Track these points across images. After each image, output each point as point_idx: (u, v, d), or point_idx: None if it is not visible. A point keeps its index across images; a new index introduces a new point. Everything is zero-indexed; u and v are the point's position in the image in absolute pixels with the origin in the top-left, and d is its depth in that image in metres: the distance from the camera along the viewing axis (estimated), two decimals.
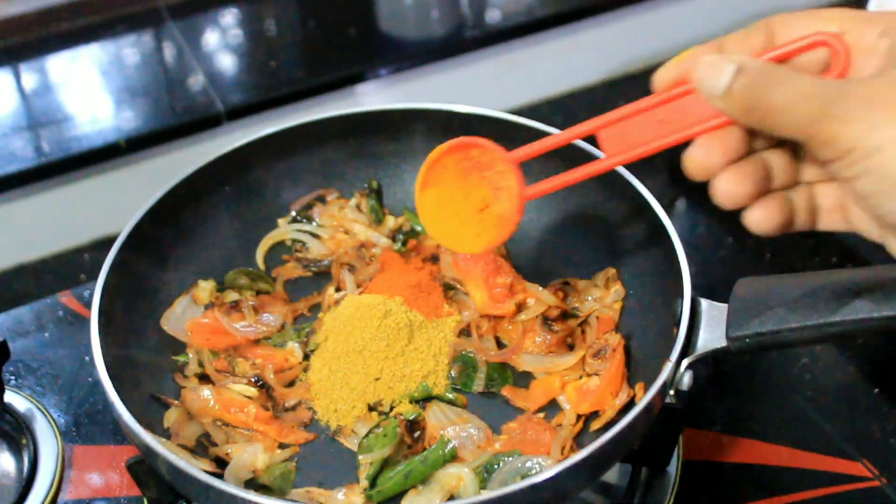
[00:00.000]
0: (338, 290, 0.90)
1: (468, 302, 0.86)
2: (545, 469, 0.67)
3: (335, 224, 0.95)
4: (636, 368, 0.79)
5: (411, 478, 0.74)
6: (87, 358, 0.95)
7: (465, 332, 0.85)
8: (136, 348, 0.80)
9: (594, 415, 0.78)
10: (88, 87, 1.30)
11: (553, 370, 0.81)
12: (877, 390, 0.93)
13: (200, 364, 0.83)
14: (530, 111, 1.38)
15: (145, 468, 0.72)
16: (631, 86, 1.38)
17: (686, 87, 0.59)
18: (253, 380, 0.80)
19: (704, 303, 0.72)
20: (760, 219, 0.58)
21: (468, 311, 0.86)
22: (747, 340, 0.66)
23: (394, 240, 0.94)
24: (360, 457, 0.75)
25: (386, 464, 0.75)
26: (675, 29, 1.51)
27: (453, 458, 0.75)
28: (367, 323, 0.81)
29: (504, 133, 0.91)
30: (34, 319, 1.00)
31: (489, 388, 0.82)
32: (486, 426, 0.78)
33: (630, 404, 0.75)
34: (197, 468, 0.65)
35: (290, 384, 0.83)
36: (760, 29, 0.58)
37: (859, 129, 0.51)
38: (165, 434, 0.76)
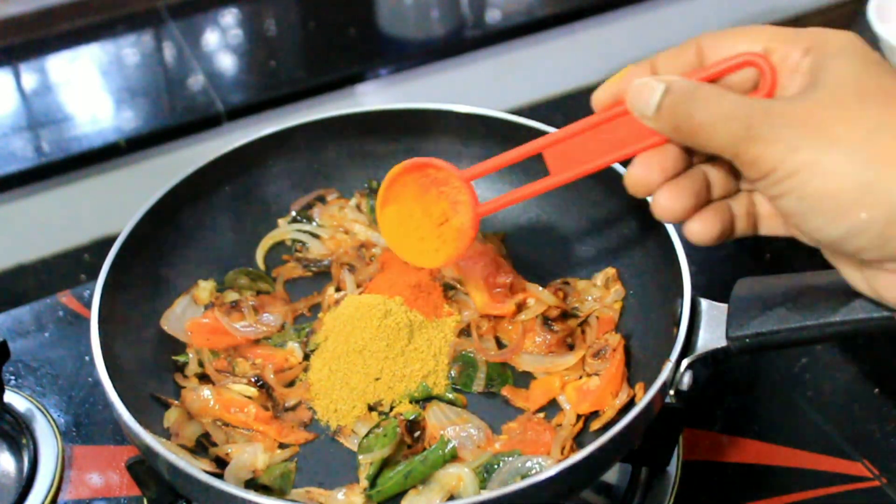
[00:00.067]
0: (338, 290, 0.90)
1: (468, 302, 0.86)
2: (545, 469, 0.67)
3: (335, 224, 0.95)
4: (636, 368, 0.79)
5: (411, 478, 0.74)
6: (87, 358, 0.96)
7: (465, 332, 0.85)
8: (136, 348, 0.80)
9: (594, 415, 0.78)
10: (88, 87, 1.30)
11: (553, 370, 0.81)
12: (877, 390, 0.93)
13: (200, 364, 0.83)
14: (530, 111, 1.38)
15: (145, 468, 0.72)
16: None
17: (624, 106, 0.60)
18: (253, 380, 0.80)
19: (704, 303, 0.72)
20: (699, 230, 0.59)
21: (468, 311, 0.86)
22: (747, 340, 0.66)
23: None
24: (360, 457, 0.75)
25: (386, 464, 0.75)
26: (675, 29, 1.51)
27: (453, 458, 0.75)
28: (367, 323, 0.81)
29: (504, 133, 0.91)
30: (34, 319, 1.00)
31: (489, 388, 0.82)
32: (486, 426, 0.78)
33: (630, 404, 0.75)
34: (197, 468, 0.65)
35: (290, 384, 0.83)
36: (690, 47, 0.59)
37: (779, 150, 0.52)
38: (165, 434, 0.76)
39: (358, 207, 0.96)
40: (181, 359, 0.84)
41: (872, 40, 1.34)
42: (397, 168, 0.71)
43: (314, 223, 0.95)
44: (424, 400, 0.81)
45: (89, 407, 0.91)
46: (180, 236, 0.89)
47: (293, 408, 0.81)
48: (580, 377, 0.80)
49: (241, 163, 0.92)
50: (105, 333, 0.74)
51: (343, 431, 0.79)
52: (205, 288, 0.88)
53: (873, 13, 1.29)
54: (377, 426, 0.77)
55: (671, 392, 0.70)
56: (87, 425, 0.89)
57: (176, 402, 0.79)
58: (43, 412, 0.89)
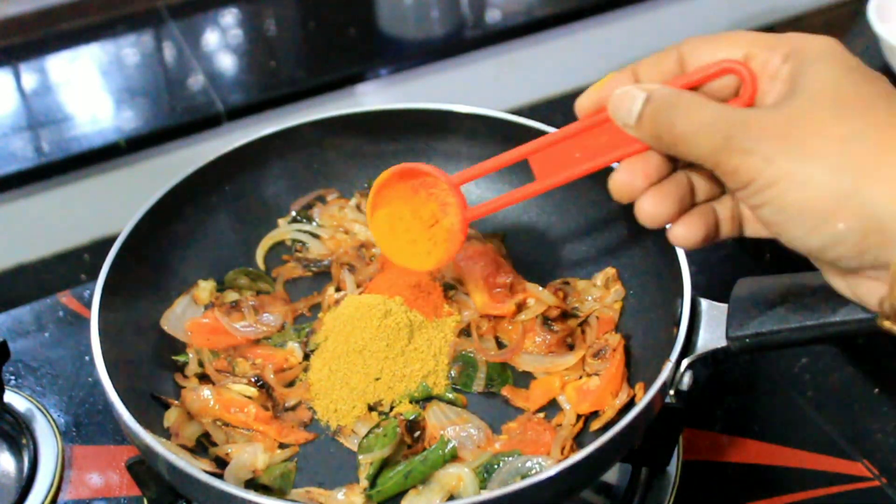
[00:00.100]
0: (338, 290, 0.90)
1: (468, 302, 0.86)
2: (545, 469, 0.67)
3: (335, 224, 0.95)
4: (636, 368, 0.79)
5: (411, 478, 0.74)
6: (87, 358, 0.96)
7: (465, 332, 0.85)
8: (136, 348, 0.80)
9: (594, 415, 0.78)
10: (88, 87, 1.30)
11: (553, 370, 0.81)
12: (877, 390, 0.93)
13: (200, 364, 0.83)
14: (530, 111, 1.38)
15: (145, 468, 0.72)
16: None
17: (606, 113, 0.60)
18: (253, 380, 0.80)
19: (704, 303, 0.72)
20: (683, 233, 0.60)
21: (468, 311, 0.86)
22: (747, 340, 0.66)
23: None
24: (360, 457, 0.75)
25: (386, 464, 0.75)
26: (675, 29, 1.51)
27: (453, 458, 0.75)
28: (367, 323, 0.81)
29: (504, 133, 0.91)
30: (34, 319, 1.00)
31: (489, 388, 0.82)
32: (486, 426, 0.78)
33: (630, 404, 0.75)
34: (197, 468, 0.65)
35: (290, 384, 0.83)
36: (671, 54, 0.59)
37: (757, 162, 0.52)
38: (165, 434, 0.76)
39: (358, 207, 0.96)
40: (181, 359, 0.84)
41: (872, 40, 1.34)
42: (386, 173, 0.72)
43: (314, 223, 0.95)
44: (424, 400, 0.81)
45: (89, 407, 0.91)
46: (180, 236, 0.89)
47: (293, 408, 0.81)
48: (580, 377, 0.80)
49: (241, 163, 0.92)
50: (105, 333, 0.74)
51: (343, 431, 0.79)
52: (205, 288, 0.88)
53: (873, 13, 1.29)
54: (377, 426, 0.77)
55: (671, 392, 0.70)
56: (87, 425, 0.89)
57: (176, 402, 0.79)
58: (43, 412, 0.89)
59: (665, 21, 1.51)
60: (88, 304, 0.91)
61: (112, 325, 0.76)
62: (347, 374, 0.80)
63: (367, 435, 0.76)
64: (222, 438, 0.77)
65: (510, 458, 0.74)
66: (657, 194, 0.59)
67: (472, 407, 0.81)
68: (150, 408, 0.78)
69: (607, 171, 0.61)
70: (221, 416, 0.78)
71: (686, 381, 0.69)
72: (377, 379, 0.80)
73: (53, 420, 0.88)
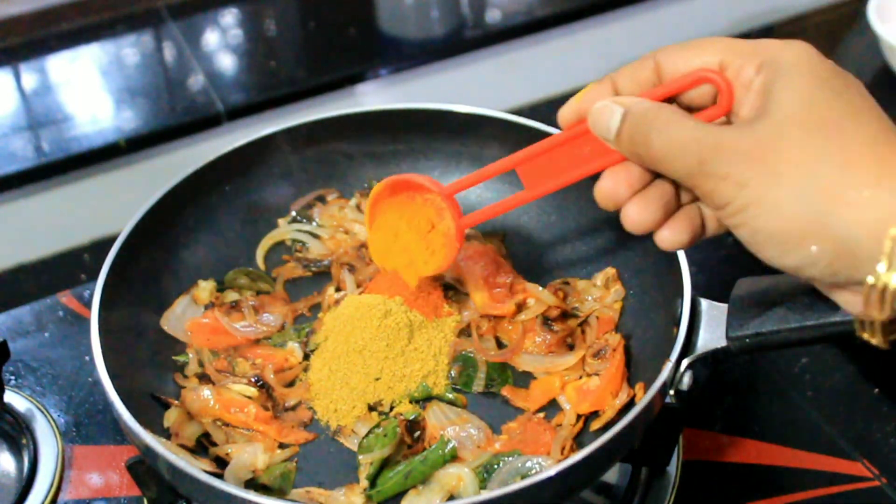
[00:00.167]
0: (338, 290, 0.90)
1: (468, 302, 0.86)
2: (545, 469, 0.67)
3: (335, 224, 0.95)
4: (636, 368, 0.79)
5: (411, 478, 0.74)
6: (87, 358, 0.96)
7: (465, 332, 0.85)
8: (136, 348, 0.80)
9: (594, 415, 0.78)
10: (88, 87, 1.30)
11: (553, 370, 0.81)
12: (877, 390, 0.93)
13: (200, 364, 0.83)
14: (530, 111, 1.38)
15: (145, 468, 0.72)
16: None
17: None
18: (253, 380, 0.80)
19: (704, 303, 0.72)
20: (670, 238, 0.60)
21: (468, 311, 0.86)
22: (747, 340, 0.66)
23: None
24: (360, 457, 0.75)
25: (386, 464, 0.75)
26: (675, 29, 1.51)
27: (453, 458, 0.75)
28: (367, 323, 0.81)
29: (504, 133, 0.91)
30: (34, 319, 1.00)
31: (489, 388, 0.82)
32: (486, 426, 0.78)
33: (630, 404, 0.75)
34: (197, 468, 0.65)
35: (290, 384, 0.83)
36: (648, 63, 0.60)
37: (729, 187, 0.53)
38: (165, 434, 0.76)
39: (358, 207, 0.96)
40: (181, 359, 0.84)
41: (872, 40, 1.34)
42: (379, 186, 0.73)
43: (314, 223, 0.95)
44: (424, 400, 0.81)
45: (89, 407, 0.91)
46: (180, 236, 0.89)
47: (293, 408, 0.81)
48: (580, 377, 0.80)
49: (241, 163, 0.92)
50: (105, 333, 0.74)
51: (343, 431, 0.79)
52: (205, 288, 0.88)
53: (873, 13, 1.29)
54: (377, 426, 0.77)
55: (671, 392, 0.70)
56: (87, 425, 0.89)
57: (176, 402, 0.79)
58: (43, 412, 0.89)
59: (665, 21, 1.51)
60: (88, 304, 0.91)
61: (112, 325, 0.76)
62: (347, 374, 0.80)
63: (367, 435, 0.76)
64: (222, 438, 0.77)
65: (510, 458, 0.74)
66: (641, 202, 0.59)
67: (472, 407, 0.81)
68: (150, 408, 0.78)
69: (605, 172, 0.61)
70: (221, 416, 0.78)
71: (686, 381, 0.69)
72: (377, 379, 0.80)
73: (53, 420, 0.88)
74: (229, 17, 1.43)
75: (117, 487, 0.84)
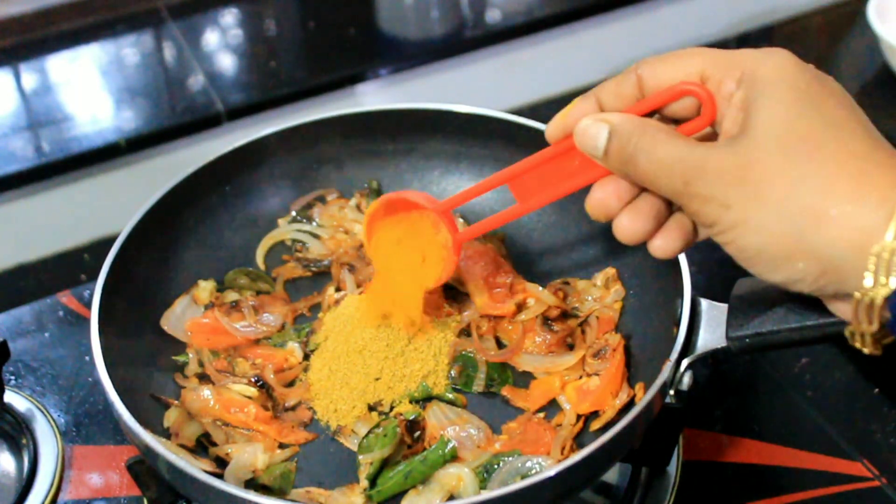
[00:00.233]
0: (338, 290, 0.90)
1: (468, 302, 0.86)
2: (545, 469, 0.67)
3: (335, 224, 0.95)
4: (636, 368, 0.79)
5: (411, 478, 0.74)
6: (87, 358, 0.96)
7: (465, 332, 0.85)
8: (136, 348, 0.80)
9: (594, 415, 0.78)
10: (88, 87, 1.30)
11: (553, 370, 0.81)
12: (877, 390, 0.93)
13: (200, 364, 0.83)
14: (530, 111, 1.38)
15: (145, 468, 0.72)
16: None
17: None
18: (253, 380, 0.80)
19: (704, 303, 0.72)
20: (662, 246, 0.61)
21: (468, 311, 0.86)
22: (747, 340, 0.66)
23: None
24: (360, 457, 0.75)
25: (386, 464, 0.75)
26: (675, 29, 1.51)
27: (453, 458, 0.75)
28: (367, 323, 0.81)
29: (504, 133, 0.91)
30: (34, 319, 1.00)
31: (489, 388, 0.82)
32: (486, 426, 0.78)
33: (630, 404, 0.75)
34: (197, 468, 0.65)
35: (290, 384, 0.83)
36: (629, 77, 0.60)
37: (714, 208, 0.54)
38: (165, 434, 0.76)
39: (358, 207, 0.96)
40: (181, 359, 0.84)
41: (872, 40, 1.34)
42: (375, 204, 0.75)
43: (314, 223, 0.95)
44: (424, 400, 0.81)
45: (89, 407, 0.91)
46: (180, 236, 0.89)
47: (293, 408, 0.81)
48: (580, 377, 0.80)
49: (241, 163, 0.92)
50: (105, 333, 0.74)
51: (343, 431, 0.79)
52: (205, 288, 0.88)
53: (873, 13, 1.29)
54: (377, 426, 0.77)
55: (671, 392, 0.70)
56: (87, 425, 0.89)
57: (176, 402, 0.79)
58: (43, 412, 0.89)
59: (665, 21, 1.51)
60: (88, 304, 0.91)
61: (112, 325, 0.76)
62: (347, 374, 0.80)
63: (367, 435, 0.76)
64: (222, 438, 0.77)
65: (510, 458, 0.74)
66: (632, 213, 0.60)
67: (472, 407, 0.81)
68: (150, 408, 0.78)
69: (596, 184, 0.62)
70: (221, 416, 0.78)
71: (686, 381, 0.69)
72: (377, 379, 0.80)
73: (53, 420, 0.88)
74: (229, 17, 1.43)
75: (117, 487, 0.84)
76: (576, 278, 0.89)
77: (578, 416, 0.78)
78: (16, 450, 0.86)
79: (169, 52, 1.37)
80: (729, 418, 0.90)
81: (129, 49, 1.36)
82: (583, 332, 0.85)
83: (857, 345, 0.55)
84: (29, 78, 1.32)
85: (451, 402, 0.80)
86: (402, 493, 0.74)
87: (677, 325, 0.71)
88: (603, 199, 0.60)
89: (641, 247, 0.85)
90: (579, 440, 0.77)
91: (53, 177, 1.20)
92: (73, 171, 1.21)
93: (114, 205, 1.12)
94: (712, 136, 0.59)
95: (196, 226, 0.90)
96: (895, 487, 0.84)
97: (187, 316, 0.86)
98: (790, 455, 0.87)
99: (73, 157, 1.19)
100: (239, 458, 0.75)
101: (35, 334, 0.98)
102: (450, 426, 0.77)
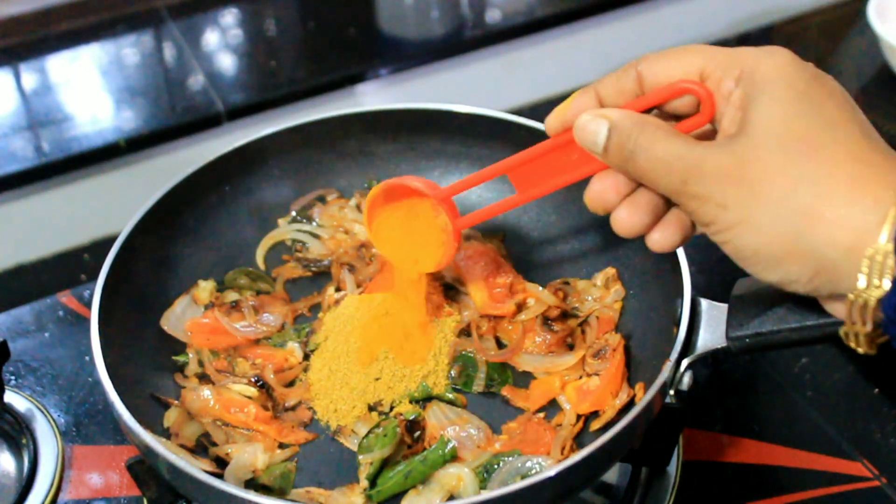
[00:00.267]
0: (338, 290, 0.90)
1: (468, 302, 0.86)
2: (545, 469, 0.67)
3: (335, 224, 0.95)
4: (636, 368, 0.79)
5: (411, 478, 0.74)
6: (87, 358, 0.96)
7: (465, 332, 0.85)
8: (136, 348, 0.80)
9: (594, 415, 0.78)
10: (88, 87, 1.30)
11: (553, 370, 0.81)
12: (877, 390, 0.93)
13: (200, 364, 0.83)
14: (530, 111, 1.38)
15: (145, 468, 0.72)
16: None
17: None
18: (253, 380, 0.80)
19: (704, 303, 0.72)
20: (660, 240, 0.61)
21: (468, 311, 0.86)
22: (747, 340, 0.66)
23: None
24: (360, 457, 0.75)
25: (386, 464, 0.75)
26: (676, 29, 1.51)
27: (453, 458, 0.75)
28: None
29: (504, 133, 0.91)
30: (34, 319, 1.00)
31: (489, 388, 0.82)
32: (486, 426, 0.78)
33: (630, 404, 0.75)
34: (197, 468, 0.65)
35: (290, 384, 0.83)
36: (630, 72, 0.60)
37: (711, 208, 0.54)
38: (165, 434, 0.76)
39: (358, 207, 0.96)
40: (181, 359, 0.84)
41: (872, 40, 1.34)
42: (375, 190, 0.75)
43: (314, 223, 0.95)
44: (424, 400, 0.81)
45: (89, 407, 0.91)
46: (180, 236, 0.89)
47: (293, 408, 0.81)
48: (580, 377, 0.80)
49: (241, 163, 0.92)
50: (105, 333, 0.74)
51: (343, 431, 0.79)
52: (205, 288, 0.88)
53: (873, 13, 1.29)
54: (377, 426, 0.77)
55: (671, 392, 0.70)
56: (87, 425, 0.89)
57: (176, 402, 0.79)
58: (43, 412, 0.89)
59: (665, 21, 1.51)
60: (88, 304, 0.91)
61: (112, 325, 0.76)
62: (347, 374, 0.80)
63: (367, 435, 0.76)
64: (222, 438, 0.77)
65: (510, 458, 0.74)
66: (630, 206, 0.60)
67: (472, 407, 0.81)
68: (150, 408, 0.78)
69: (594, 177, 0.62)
70: (221, 416, 0.78)
71: (686, 381, 0.69)
72: (377, 379, 0.80)
73: (53, 420, 0.88)
74: (229, 17, 1.43)
75: (117, 487, 0.84)
76: (576, 278, 0.89)
77: (578, 416, 0.78)
78: (16, 450, 0.86)
79: (169, 52, 1.37)
80: (729, 418, 0.90)
81: (129, 49, 1.36)
82: (583, 332, 0.85)
83: (852, 344, 0.56)
84: (29, 78, 1.32)
85: (451, 402, 0.80)
86: (402, 493, 0.74)
87: (677, 325, 0.71)
88: (601, 192, 0.60)
89: (642, 247, 0.85)
90: (579, 440, 0.77)
91: (53, 177, 1.20)
92: (73, 171, 1.21)
93: (114, 205, 1.12)
94: (712, 133, 0.59)
95: (196, 226, 0.90)
96: (895, 487, 0.84)
97: (187, 316, 0.86)
98: (790, 455, 0.87)
99: (73, 157, 1.19)
100: (239, 458, 0.75)
101: (35, 334, 0.98)
102: (450, 426, 0.77)
